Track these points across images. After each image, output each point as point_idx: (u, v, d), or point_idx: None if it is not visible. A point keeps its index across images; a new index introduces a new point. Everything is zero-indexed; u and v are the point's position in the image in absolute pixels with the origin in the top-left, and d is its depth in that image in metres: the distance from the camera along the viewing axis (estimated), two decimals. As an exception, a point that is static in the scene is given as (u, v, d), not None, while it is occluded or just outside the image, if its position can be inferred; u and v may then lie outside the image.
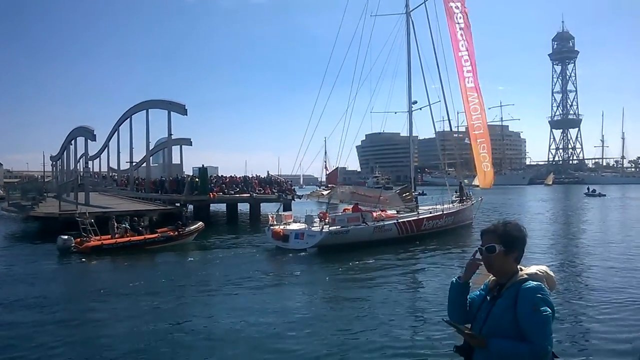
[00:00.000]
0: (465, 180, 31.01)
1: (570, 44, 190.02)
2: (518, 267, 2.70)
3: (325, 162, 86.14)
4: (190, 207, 31.62)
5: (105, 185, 47.20)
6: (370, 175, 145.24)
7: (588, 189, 68.39)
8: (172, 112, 35.19)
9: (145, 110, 38.16)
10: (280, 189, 35.54)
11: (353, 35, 25.82)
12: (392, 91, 29.51)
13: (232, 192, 32.67)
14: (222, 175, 37.78)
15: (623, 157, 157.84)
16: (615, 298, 10.69)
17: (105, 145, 47.81)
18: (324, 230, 18.79)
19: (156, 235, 20.30)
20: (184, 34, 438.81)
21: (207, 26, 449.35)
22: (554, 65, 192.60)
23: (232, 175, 37.10)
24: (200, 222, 22.89)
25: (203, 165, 32.45)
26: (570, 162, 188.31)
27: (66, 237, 18.65)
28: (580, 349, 7.69)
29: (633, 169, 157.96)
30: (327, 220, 19.64)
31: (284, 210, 30.98)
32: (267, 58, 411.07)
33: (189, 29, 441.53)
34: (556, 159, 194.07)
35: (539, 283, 2.59)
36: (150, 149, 40.05)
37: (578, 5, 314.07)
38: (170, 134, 36.08)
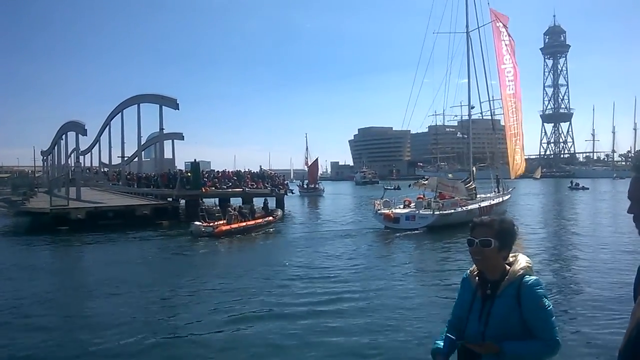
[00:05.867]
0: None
1: (562, 38, 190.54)
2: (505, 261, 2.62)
3: (307, 157, 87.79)
4: (182, 201, 31.51)
5: (96, 180, 46.92)
6: (358, 170, 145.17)
7: (571, 182, 70.10)
8: (163, 107, 35.03)
9: (136, 105, 38.02)
10: (273, 184, 35.51)
11: (429, 54, 30.80)
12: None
13: (225, 187, 32.57)
14: (214, 170, 37.66)
15: (614, 151, 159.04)
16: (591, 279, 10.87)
17: (97, 140, 47.61)
18: (435, 213, 22.40)
19: (261, 220, 23.84)
20: (175, 30, 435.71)
21: (198, 22, 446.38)
22: (546, 59, 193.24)
23: (225, 169, 36.99)
24: (280, 210, 27.57)
25: (195, 160, 32.30)
26: (562, 155, 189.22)
27: (198, 223, 21.52)
28: (573, 335, 7.76)
29: (623, 163, 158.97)
30: (421, 204, 24.00)
31: (276, 205, 31.21)
32: (257, 53, 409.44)
33: (180, 24, 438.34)
34: (547, 152, 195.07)
35: (537, 277, 2.53)
36: (142, 143, 39.90)
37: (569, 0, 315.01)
38: (161, 129, 35.95)
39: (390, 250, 18.33)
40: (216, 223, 22.08)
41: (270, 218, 24.72)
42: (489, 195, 29.25)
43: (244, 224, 22.63)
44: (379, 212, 23.77)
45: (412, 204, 24.86)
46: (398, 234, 21.35)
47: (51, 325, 8.99)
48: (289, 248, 18.73)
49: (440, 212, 22.81)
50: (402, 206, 25.10)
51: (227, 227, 21.77)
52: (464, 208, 24.08)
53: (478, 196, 27.78)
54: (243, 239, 21.06)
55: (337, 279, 12.56)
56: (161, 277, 13.62)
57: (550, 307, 2.46)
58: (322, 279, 12.57)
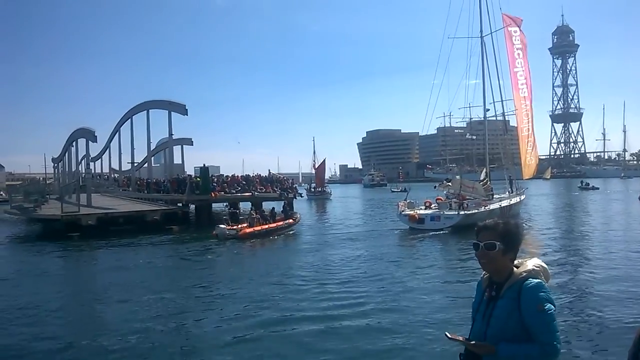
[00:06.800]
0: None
1: (571, 37, 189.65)
2: (513, 264, 2.65)
3: (315, 161, 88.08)
4: (192, 206, 31.60)
5: (107, 186, 47.21)
6: (366, 172, 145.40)
7: (581, 182, 70.50)
8: (172, 112, 35.20)
9: (146, 111, 38.18)
10: (282, 188, 35.51)
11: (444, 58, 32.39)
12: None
13: (234, 192, 32.62)
14: (223, 175, 37.71)
15: (625, 150, 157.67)
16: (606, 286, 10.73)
17: (107, 146, 47.89)
18: (460, 213, 23.06)
19: (283, 222, 24.65)
20: (180, 34, 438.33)
21: (202, 25, 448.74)
22: (554, 59, 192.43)
23: (234, 174, 37.03)
24: (298, 213, 28.34)
25: (204, 165, 32.41)
26: (572, 155, 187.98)
27: (223, 226, 22.34)
28: (584, 342, 7.71)
29: (635, 162, 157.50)
30: (446, 205, 24.96)
31: (289, 208, 31.47)
32: (264, 57, 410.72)
33: (184, 28, 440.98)
34: (558, 152, 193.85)
35: (540, 280, 2.53)
36: (152, 149, 40.10)
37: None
38: (171, 134, 36.12)
39: (418, 251, 18.23)
40: (240, 226, 22.70)
41: (291, 220, 25.58)
42: (503, 195, 29.77)
43: (266, 226, 23.23)
44: (403, 213, 24.23)
45: (433, 205, 25.65)
46: (423, 235, 21.73)
47: (64, 333, 9.02)
48: (311, 250, 18.85)
49: (465, 212, 23.39)
50: (423, 207, 25.67)
51: (251, 229, 22.40)
52: (486, 208, 24.78)
53: (494, 197, 28.50)
54: (266, 242, 21.46)
55: (364, 283, 12.26)
56: (177, 282, 13.62)
57: (552, 311, 2.45)
58: (347, 282, 12.36)
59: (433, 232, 22.05)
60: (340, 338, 8.10)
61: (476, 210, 23.91)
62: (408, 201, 25.75)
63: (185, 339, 8.52)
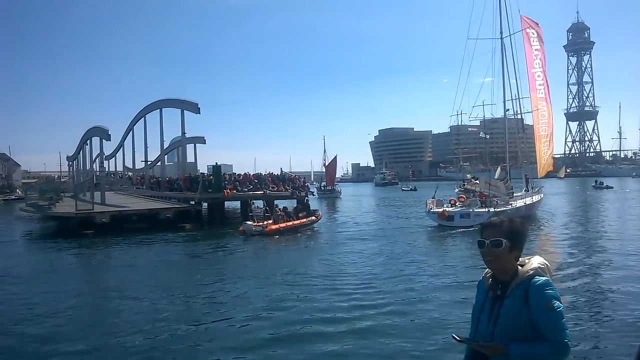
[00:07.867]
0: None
1: (586, 34, 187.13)
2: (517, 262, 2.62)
3: (324, 160, 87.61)
4: (205, 204, 31.70)
5: (121, 184, 47.59)
6: (378, 171, 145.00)
7: (596, 181, 69.83)
8: (185, 111, 35.35)
9: (159, 110, 38.38)
10: (294, 186, 35.50)
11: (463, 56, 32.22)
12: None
13: (246, 190, 32.66)
14: (235, 173, 37.81)
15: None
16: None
17: (120, 144, 48.30)
18: (490, 210, 23.34)
19: (306, 219, 25.20)
20: (192, 34, 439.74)
21: (215, 26, 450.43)
22: (569, 57, 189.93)
23: (246, 172, 37.10)
24: (319, 210, 28.67)
25: (217, 163, 32.50)
26: (587, 154, 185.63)
27: (250, 222, 22.87)
28: (593, 340, 7.58)
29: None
30: (475, 202, 25.36)
31: (301, 207, 31.65)
32: (276, 57, 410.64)
33: (197, 29, 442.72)
34: (573, 151, 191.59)
35: (547, 278, 2.52)
36: (165, 147, 40.30)
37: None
38: (184, 133, 36.28)
39: (450, 249, 18.33)
40: (265, 223, 23.24)
41: (313, 218, 26.09)
42: (520, 193, 30.12)
43: (290, 223, 23.91)
44: (432, 210, 24.75)
45: (457, 203, 26.19)
46: (454, 232, 22.08)
47: (78, 330, 9.05)
48: (338, 247, 18.98)
49: (495, 209, 23.66)
50: (449, 205, 26.11)
51: (276, 226, 23.05)
52: (513, 205, 25.66)
53: (514, 195, 28.75)
54: (290, 239, 21.81)
55: (392, 286, 11.69)
56: (192, 280, 13.58)
57: (561, 308, 2.43)
58: (373, 285, 11.84)
59: (462, 230, 22.24)
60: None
61: (504, 208, 24.32)
62: (436, 199, 26.21)
63: (196, 339, 8.45)
